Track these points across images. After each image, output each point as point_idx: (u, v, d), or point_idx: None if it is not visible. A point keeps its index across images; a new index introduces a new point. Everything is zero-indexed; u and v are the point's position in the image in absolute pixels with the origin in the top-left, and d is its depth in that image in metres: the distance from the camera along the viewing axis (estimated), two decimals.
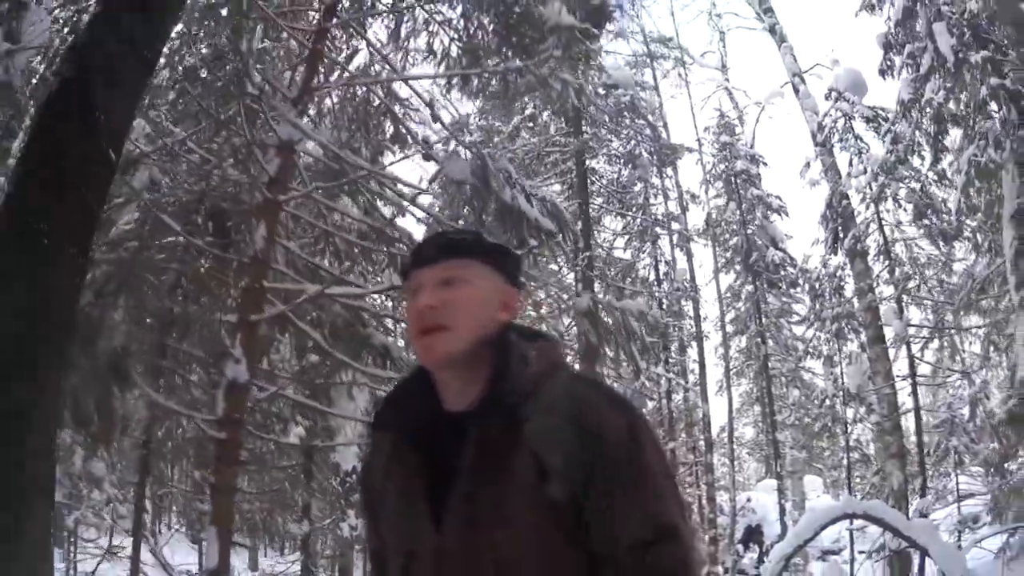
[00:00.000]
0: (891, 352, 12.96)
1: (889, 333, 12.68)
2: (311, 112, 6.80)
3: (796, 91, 14.65)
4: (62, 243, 3.67)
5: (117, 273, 5.80)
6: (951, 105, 9.44)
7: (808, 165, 14.42)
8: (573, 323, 12.61)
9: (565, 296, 12.91)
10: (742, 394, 24.13)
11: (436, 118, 6.15)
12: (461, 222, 6.44)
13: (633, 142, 15.77)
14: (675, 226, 17.70)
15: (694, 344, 18.79)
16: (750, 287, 19.63)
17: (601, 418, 1.51)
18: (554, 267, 13.72)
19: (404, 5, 6.83)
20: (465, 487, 1.51)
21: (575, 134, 13.38)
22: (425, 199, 8.38)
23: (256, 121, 5.81)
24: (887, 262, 12.90)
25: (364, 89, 6.86)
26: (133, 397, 6.43)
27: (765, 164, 19.89)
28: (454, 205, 6.69)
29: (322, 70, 6.38)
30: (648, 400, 16.56)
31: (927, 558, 7.74)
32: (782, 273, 18.71)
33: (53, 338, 3.71)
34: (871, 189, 12.31)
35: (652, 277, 17.60)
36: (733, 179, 19.42)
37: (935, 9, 9.06)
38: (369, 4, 6.87)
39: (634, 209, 17.09)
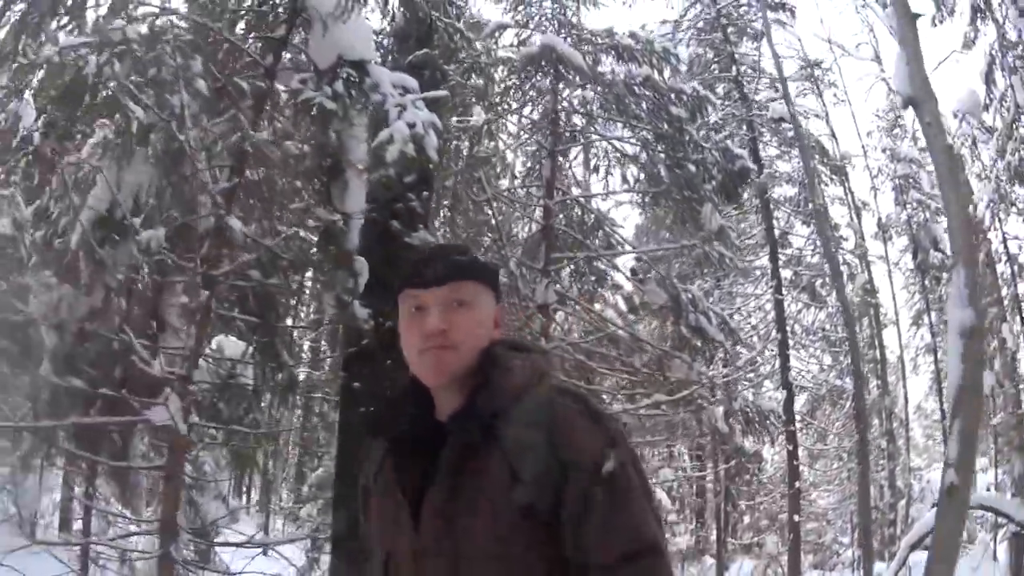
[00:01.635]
0: None
1: None
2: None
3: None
4: None
5: None
6: None
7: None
8: None
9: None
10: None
11: (639, 258, 8.63)
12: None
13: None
14: (849, 236, 19.08)
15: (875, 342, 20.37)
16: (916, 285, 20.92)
17: (576, 429, 1.54)
18: None
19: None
20: (441, 490, 1.56)
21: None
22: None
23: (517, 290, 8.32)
24: None
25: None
26: None
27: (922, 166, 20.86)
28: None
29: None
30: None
31: None
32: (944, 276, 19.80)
33: None
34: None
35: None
36: (898, 182, 20.59)
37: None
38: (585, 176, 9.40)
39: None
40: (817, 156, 16.37)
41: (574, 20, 9.09)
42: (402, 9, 7.41)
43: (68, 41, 5.55)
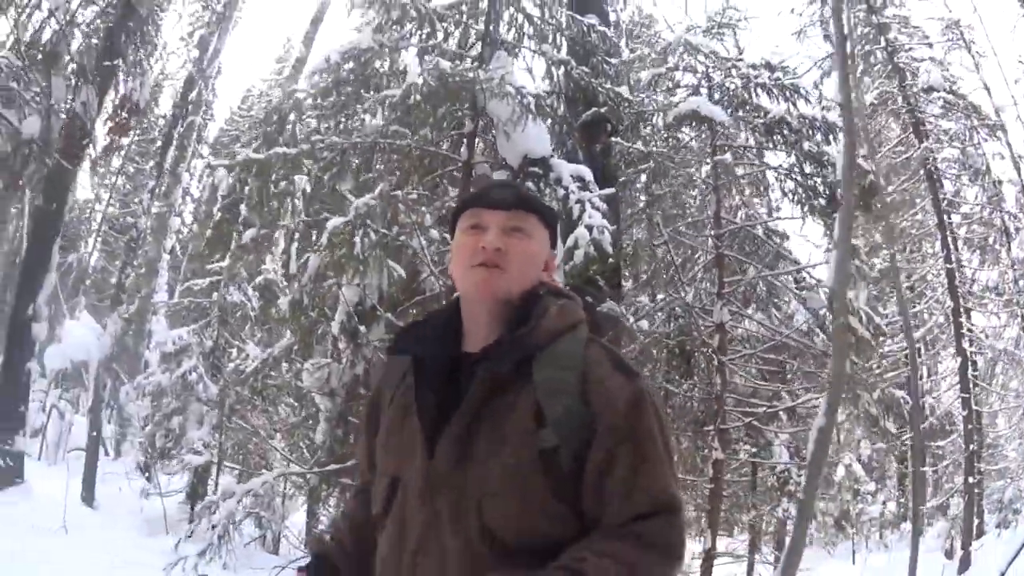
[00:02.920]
0: None
1: None
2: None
3: None
4: None
5: None
6: None
7: None
8: None
9: None
10: None
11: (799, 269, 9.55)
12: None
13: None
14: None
15: None
16: None
17: (607, 380, 1.55)
18: None
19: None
20: (464, 419, 1.55)
21: None
22: None
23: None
24: None
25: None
26: None
27: None
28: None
29: None
30: None
31: None
32: None
33: None
34: None
35: None
36: None
37: None
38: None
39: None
40: (974, 115, 16.39)
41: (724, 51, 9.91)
42: (568, 81, 8.57)
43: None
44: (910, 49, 17.45)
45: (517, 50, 8.61)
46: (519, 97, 6.84)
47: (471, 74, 6.74)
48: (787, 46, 25.25)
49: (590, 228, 6.23)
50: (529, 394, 1.54)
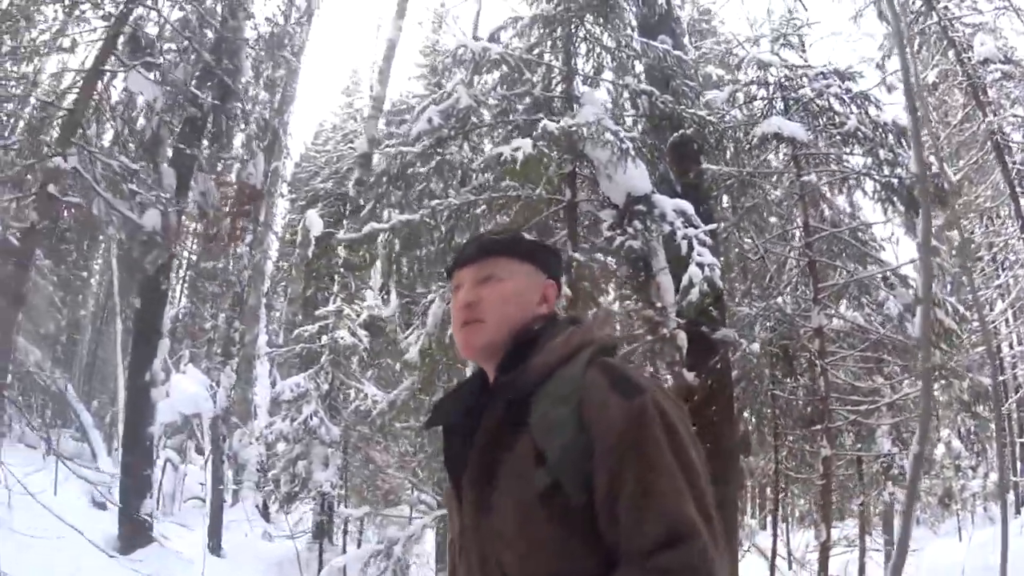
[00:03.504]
0: None
1: None
2: None
3: None
4: None
5: None
6: None
7: None
8: None
9: None
10: None
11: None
12: None
13: None
14: None
15: None
16: None
17: (603, 403, 1.50)
18: None
19: None
20: (472, 470, 1.60)
21: None
22: None
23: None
24: None
25: None
26: None
27: None
28: None
29: None
30: None
31: None
32: None
33: None
34: None
35: None
36: None
37: None
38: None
39: None
40: None
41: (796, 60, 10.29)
42: (652, 109, 8.98)
43: None
44: (960, 17, 17.53)
45: (597, 83, 9.06)
46: (617, 142, 7.32)
47: (573, 128, 7.23)
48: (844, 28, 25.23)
49: (701, 266, 6.69)
50: (526, 437, 1.54)
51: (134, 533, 10.37)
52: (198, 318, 20.18)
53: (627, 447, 1.47)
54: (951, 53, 16.92)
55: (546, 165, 7.26)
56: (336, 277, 13.72)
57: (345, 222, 13.93)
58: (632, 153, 7.45)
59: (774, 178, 9.93)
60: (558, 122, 7.28)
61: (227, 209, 11.48)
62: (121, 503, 10.46)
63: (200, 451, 16.47)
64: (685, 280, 6.74)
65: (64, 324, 21.77)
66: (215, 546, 12.24)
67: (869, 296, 10.03)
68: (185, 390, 13.33)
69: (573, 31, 8.56)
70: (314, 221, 17.27)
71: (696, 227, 7.17)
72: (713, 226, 7.62)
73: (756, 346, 8.91)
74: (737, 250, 10.22)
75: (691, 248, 6.91)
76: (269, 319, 22.17)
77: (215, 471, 13.53)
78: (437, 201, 7.56)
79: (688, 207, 7.43)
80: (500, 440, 1.57)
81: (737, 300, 10.50)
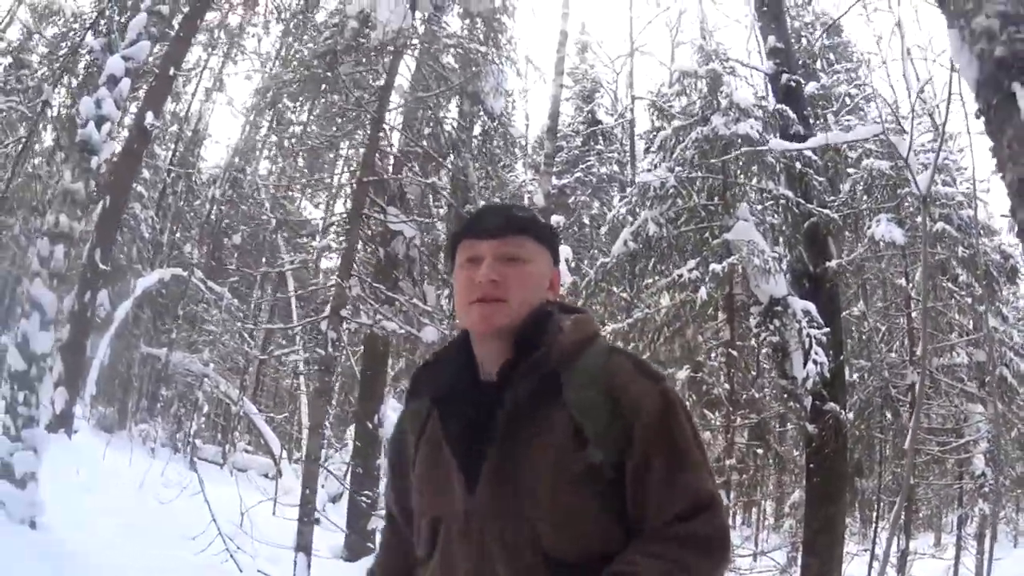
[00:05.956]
0: None
1: None
2: None
3: None
4: None
5: None
6: None
7: None
8: None
9: None
10: None
11: None
12: None
13: None
14: None
15: None
16: None
17: (633, 386, 1.58)
18: None
19: None
20: (500, 448, 1.56)
21: None
22: None
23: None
24: None
25: None
26: None
27: None
28: None
29: None
30: None
31: None
32: None
33: None
34: None
35: None
36: None
37: None
38: None
39: None
40: None
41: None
42: (786, 212, 12.13)
43: None
44: None
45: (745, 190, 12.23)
46: (762, 263, 10.63)
47: (730, 241, 10.55)
48: None
49: (816, 363, 9.88)
50: (563, 412, 1.57)
51: (357, 544, 11.70)
52: None
53: (662, 427, 1.57)
54: None
55: (715, 302, 10.61)
56: None
57: None
58: (774, 268, 10.72)
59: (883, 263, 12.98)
60: (720, 262, 10.62)
61: None
62: (348, 524, 11.88)
63: None
64: (802, 373, 9.97)
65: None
66: None
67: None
68: (392, 419, 13.79)
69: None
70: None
71: (817, 326, 10.37)
72: (827, 329, 10.70)
73: (851, 415, 11.75)
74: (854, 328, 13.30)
75: (810, 347, 10.14)
76: None
77: None
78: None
79: (811, 307, 10.53)
80: (535, 414, 1.58)
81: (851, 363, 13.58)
